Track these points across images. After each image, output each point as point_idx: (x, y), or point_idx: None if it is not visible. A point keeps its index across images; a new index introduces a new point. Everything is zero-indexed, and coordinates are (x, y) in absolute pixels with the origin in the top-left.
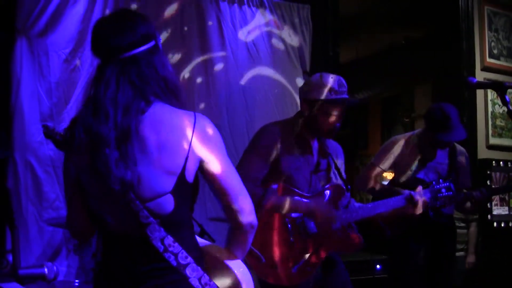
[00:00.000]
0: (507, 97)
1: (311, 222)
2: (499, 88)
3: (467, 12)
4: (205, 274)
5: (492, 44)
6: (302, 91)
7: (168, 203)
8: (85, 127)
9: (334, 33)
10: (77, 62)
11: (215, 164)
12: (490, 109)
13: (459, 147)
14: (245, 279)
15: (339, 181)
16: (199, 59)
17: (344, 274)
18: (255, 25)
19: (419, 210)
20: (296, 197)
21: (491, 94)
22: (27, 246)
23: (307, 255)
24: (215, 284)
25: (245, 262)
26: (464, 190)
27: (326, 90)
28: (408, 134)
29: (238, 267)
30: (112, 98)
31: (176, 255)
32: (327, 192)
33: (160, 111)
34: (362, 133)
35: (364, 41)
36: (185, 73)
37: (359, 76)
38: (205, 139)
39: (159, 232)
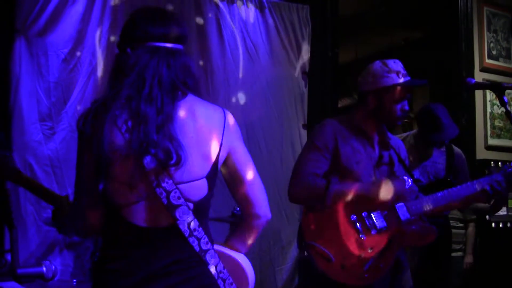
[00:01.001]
0: (505, 98)
1: (380, 216)
2: (497, 89)
3: (466, 13)
4: (220, 262)
5: (491, 45)
6: (365, 83)
7: (202, 188)
8: (131, 106)
9: (333, 34)
10: (76, 61)
11: (240, 155)
12: (488, 110)
13: (456, 149)
14: (250, 271)
15: (405, 175)
16: (197, 59)
17: (408, 281)
18: (254, 25)
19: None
20: (360, 183)
21: (490, 95)
22: (26, 246)
23: (378, 252)
24: (228, 273)
25: (314, 263)
26: None
27: (394, 75)
28: (404, 134)
29: (243, 259)
30: (158, 81)
31: (199, 240)
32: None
33: (194, 101)
34: None
35: (363, 42)
36: None
37: (358, 77)
38: (232, 132)
39: (187, 215)
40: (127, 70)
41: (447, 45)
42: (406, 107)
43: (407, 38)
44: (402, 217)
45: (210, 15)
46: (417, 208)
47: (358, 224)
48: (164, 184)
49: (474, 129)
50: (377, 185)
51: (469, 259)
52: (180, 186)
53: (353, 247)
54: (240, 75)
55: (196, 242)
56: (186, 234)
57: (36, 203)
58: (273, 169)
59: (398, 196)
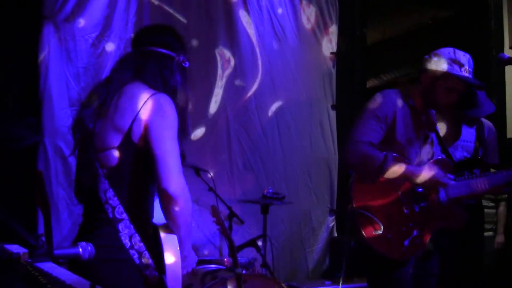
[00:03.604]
0: None
1: (422, 194)
2: None
3: None
4: (136, 234)
5: None
6: (428, 62)
7: (114, 156)
8: (94, 90)
9: (361, 13)
10: (104, 46)
11: (155, 131)
12: None
13: (486, 123)
14: (169, 258)
15: (443, 155)
16: (225, 41)
17: (433, 268)
18: (281, 6)
19: None
20: (413, 166)
21: None
22: (58, 230)
23: (417, 229)
24: (144, 247)
25: (358, 229)
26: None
27: (458, 66)
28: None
29: (169, 244)
30: (118, 73)
31: (113, 208)
32: (436, 165)
33: (133, 85)
34: None
35: (391, 21)
36: (212, 55)
37: (386, 57)
38: (155, 109)
39: (104, 184)
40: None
41: (476, 23)
42: (454, 100)
43: (435, 17)
44: (441, 198)
45: None
46: (454, 192)
47: (403, 199)
48: (91, 156)
49: (505, 108)
50: (429, 173)
51: (500, 238)
52: (99, 154)
53: (397, 221)
54: (268, 57)
55: (110, 209)
56: (102, 201)
57: (68, 188)
58: (302, 150)
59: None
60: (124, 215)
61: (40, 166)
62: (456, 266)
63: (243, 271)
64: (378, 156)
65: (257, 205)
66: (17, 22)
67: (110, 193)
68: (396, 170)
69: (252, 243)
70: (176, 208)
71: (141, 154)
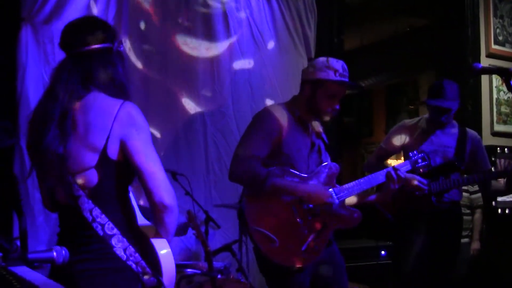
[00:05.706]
0: None
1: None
2: (505, 74)
3: None
4: (130, 246)
5: (498, 30)
6: (306, 72)
7: (93, 176)
8: (39, 107)
9: (339, 20)
10: None
11: (135, 144)
12: (495, 96)
13: (470, 132)
14: (165, 261)
15: (330, 161)
16: (203, 45)
17: (339, 258)
18: (260, 13)
19: (397, 183)
20: (295, 181)
21: (496, 81)
22: (34, 234)
23: (313, 235)
24: (140, 257)
25: (259, 248)
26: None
27: (332, 72)
28: (416, 118)
29: (161, 247)
30: (64, 83)
31: (103, 225)
32: (324, 171)
33: (94, 98)
34: (366, 121)
35: (369, 28)
36: (190, 59)
37: (363, 64)
38: (127, 122)
39: (88, 204)
40: (51, 75)
41: (453, 31)
42: (336, 106)
43: (412, 25)
44: (331, 204)
45: (215, 3)
46: (343, 194)
47: (294, 209)
48: (66, 179)
49: (480, 116)
50: (310, 189)
51: (476, 245)
52: (76, 176)
53: (292, 231)
54: (246, 63)
55: (99, 227)
56: (89, 220)
57: None
58: None
59: (327, 182)
60: (116, 230)
61: (16, 169)
62: (430, 270)
63: (219, 276)
64: (261, 173)
65: (234, 210)
66: None
67: (97, 211)
68: (278, 187)
69: (227, 247)
70: (171, 217)
71: (121, 168)
